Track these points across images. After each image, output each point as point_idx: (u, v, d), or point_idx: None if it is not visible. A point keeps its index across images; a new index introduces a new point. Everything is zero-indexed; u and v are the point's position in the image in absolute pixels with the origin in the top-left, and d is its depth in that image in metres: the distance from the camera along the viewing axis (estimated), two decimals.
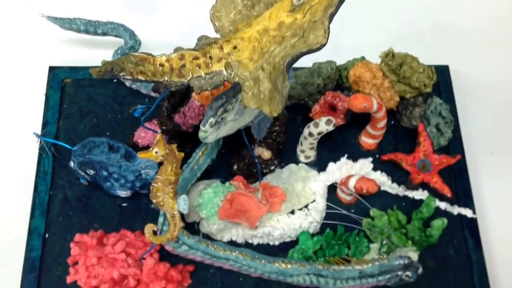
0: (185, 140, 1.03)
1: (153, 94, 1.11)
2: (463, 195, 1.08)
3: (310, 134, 1.03)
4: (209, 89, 0.73)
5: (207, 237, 1.01)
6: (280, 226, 1.01)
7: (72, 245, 0.99)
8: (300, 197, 1.04)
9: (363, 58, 1.13)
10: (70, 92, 1.15)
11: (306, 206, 1.04)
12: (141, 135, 1.05)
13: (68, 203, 1.05)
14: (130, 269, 0.96)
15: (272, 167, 1.07)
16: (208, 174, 1.04)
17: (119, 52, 1.13)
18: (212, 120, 0.85)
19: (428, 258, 1.02)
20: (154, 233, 0.94)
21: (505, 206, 1.11)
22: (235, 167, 1.06)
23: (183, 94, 1.01)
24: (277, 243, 1.03)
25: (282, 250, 1.02)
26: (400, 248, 1.00)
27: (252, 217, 0.99)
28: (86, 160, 0.99)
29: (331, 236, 1.02)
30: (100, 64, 0.76)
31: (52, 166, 1.07)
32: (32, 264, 0.99)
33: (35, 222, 1.03)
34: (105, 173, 1.00)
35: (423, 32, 1.28)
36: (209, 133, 0.87)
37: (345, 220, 1.03)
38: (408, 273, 0.96)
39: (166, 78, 0.75)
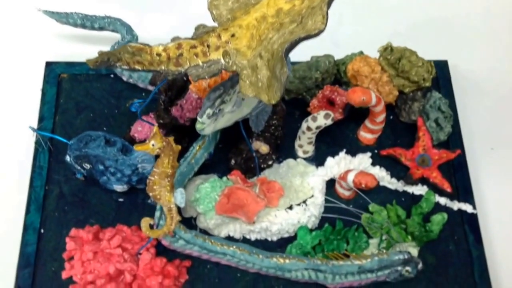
0: (183, 134, 1.02)
1: (150, 88, 1.11)
2: (463, 190, 1.07)
3: (308, 128, 1.02)
4: (206, 77, 0.73)
5: (204, 232, 1.00)
6: (278, 221, 1.00)
7: (67, 239, 0.98)
8: (298, 192, 1.04)
9: (361, 52, 1.12)
10: (66, 87, 1.14)
11: (304, 202, 1.03)
12: (138, 129, 1.04)
13: (64, 198, 1.04)
14: (126, 264, 0.95)
15: (270, 162, 1.06)
16: (205, 169, 1.04)
17: (116, 47, 1.12)
18: (209, 111, 0.85)
19: (428, 254, 1.01)
20: (151, 227, 0.93)
21: (506, 201, 1.10)
22: (233, 161, 1.05)
23: (180, 87, 1.01)
24: (275, 238, 1.02)
25: (280, 246, 1.01)
26: (399, 244, 0.99)
27: (250, 211, 0.98)
28: (82, 154, 0.98)
29: (330, 231, 1.01)
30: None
31: (48, 161, 1.06)
32: (27, 259, 0.98)
33: (30, 217, 1.02)
34: (101, 167, 0.99)
35: (421, 27, 1.28)
36: (206, 125, 0.87)
37: (344, 216, 1.02)
38: (408, 268, 0.95)
39: (163, 67, 0.75)
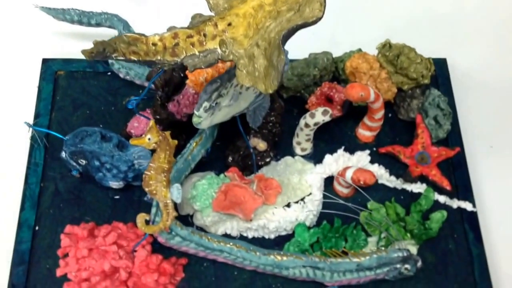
0: (180, 130, 1.02)
1: (147, 84, 1.10)
2: (463, 188, 1.06)
3: (306, 125, 1.02)
4: (202, 67, 0.72)
5: (201, 230, 0.99)
6: (275, 219, 0.99)
7: (62, 236, 0.97)
8: (296, 190, 1.02)
9: (359, 50, 1.11)
10: (63, 84, 1.13)
11: (302, 199, 1.02)
12: (134, 125, 1.04)
13: (60, 195, 1.03)
14: (121, 261, 0.93)
15: (268, 159, 1.05)
16: (202, 167, 1.03)
17: None
18: (206, 104, 0.84)
19: (428, 253, 1.00)
20: (147, 222, 0.91)
21: (506, 199, 1.09)
22: (230, 159, 1.04)
23: (177, 83, 1.00)
24: (272, 236, 1.01)
25: (277, 244, 1.00)
26: (398, 242, 0.98)
27: (247, 209, 0.97)
28: (78, 150, 0.97)
29: (328, 228, 0.99)
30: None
31: (44, 158, 1.05)
32: (21, 257, 0.97)
33: (25, 214, 1.00)
34: (97, 163, 0.98)
35: (420, 25, 1.27)
36: (203, 118, 0.86)
37: (342, 213, 1.00)
38: (407, 266, 0.94)
39: (159, 57, 0.74)
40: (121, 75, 1.13)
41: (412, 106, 1.08)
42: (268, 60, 0.70)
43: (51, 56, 1.16)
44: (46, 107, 1.10)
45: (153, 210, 0.94)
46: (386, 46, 1.06)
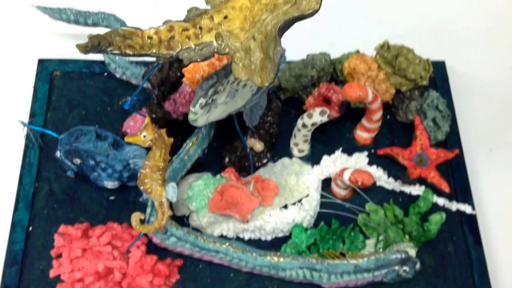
0: (176, 130, 1.00)
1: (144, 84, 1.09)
2: (462, 191, 1.05)
3: (304, 125, 1.01)
4: (198, 60, 0.71)
5: (197, 231, 0.98)
6: (272, 220, 0.97)
7: (56, 236, 0.95)
8: (294, 192, 1.01)
9: (357, 52, 1.11)
10: (59, 85, 1.13)
11: (299, 201, 1.01)
12: (130, 124, 1.03)
13: (54, 195, 1.01)
14: (115, 262, 0.92)
15: (265, 160, 1.04)
16: (198, 167, 1.02)
17: None
18: (202, 100, 0.83)
19: (427, 256, 0.99)
20: (141, 222, 0.90)
21: (505, 202, 1.08)
22: (227, 159, 1.03)
23: (174, 82, 0.99)
24: (269, 238, 0.99)
25: (274, 245, 0.98)
26: (397, 244, 0.96)
27: (244, 209, 0.96)
28: (73, 149, 0.96)
29: (325, 230, 0.98)
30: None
31: (38, 158, 1.04)
32: (14, 257, 0.96)
33: (18, 215, 0.99)
34: (92, 162, 0.97)
35: (419, 28, 1.27)
36: (199, 115, 0.85)
37: (339, 215, 0.99)
38: (405, 268, 0.93)
39: (154, 51, 0.73)
40: (118, 75, 1.12)
41: (411, 107, 1.08)
42: (264, 53, 0.69)
43: (47, 57, 1.15)
44: (42, 107, 1.09)
45: (148, 210, 0.93)
46: (384, 47, 1.05)
